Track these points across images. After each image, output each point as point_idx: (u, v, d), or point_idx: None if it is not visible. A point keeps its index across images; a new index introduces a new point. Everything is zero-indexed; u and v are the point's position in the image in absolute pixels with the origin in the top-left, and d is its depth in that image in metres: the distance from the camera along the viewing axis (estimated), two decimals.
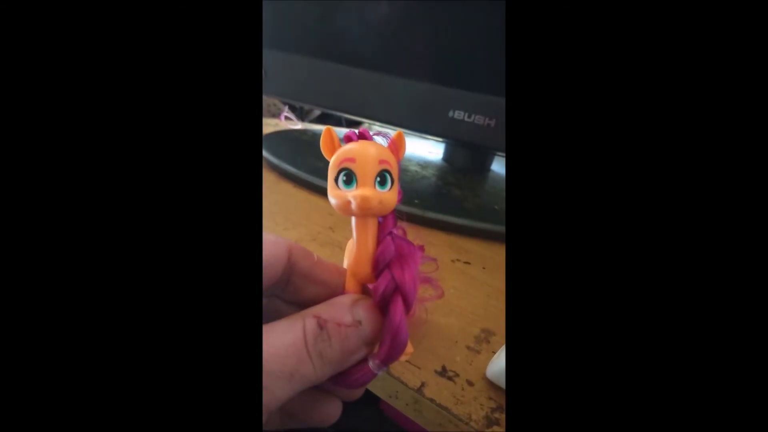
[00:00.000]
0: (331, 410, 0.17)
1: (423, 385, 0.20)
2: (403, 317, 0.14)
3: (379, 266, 0.15)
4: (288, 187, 0.43)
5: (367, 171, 0.14)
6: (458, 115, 0.42)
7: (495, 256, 0.36)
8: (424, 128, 0.45)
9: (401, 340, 0.14)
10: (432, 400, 0.20)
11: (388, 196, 0.15)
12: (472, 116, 0.42)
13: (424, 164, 0.53)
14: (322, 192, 0.41)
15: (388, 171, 0.15)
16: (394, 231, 0.16)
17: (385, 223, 0.16)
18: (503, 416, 0.19)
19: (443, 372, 0.21)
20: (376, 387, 0.22)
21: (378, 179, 0.15)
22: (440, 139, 0.57)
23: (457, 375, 0.21)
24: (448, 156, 0.55)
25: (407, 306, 0.14)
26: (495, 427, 0.19)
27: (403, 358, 0.15)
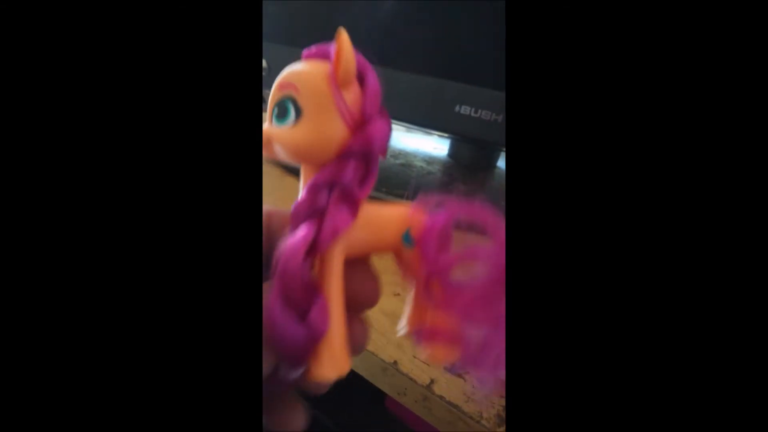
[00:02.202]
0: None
1: (432, 382, 0.20)
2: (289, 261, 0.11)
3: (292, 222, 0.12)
4: (293, 182, 0.43)
5: (269, 102, 0.12)
6: (465, 110, 0.42)
7: None
8: (430, 123, 0.44)
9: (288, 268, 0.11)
10: (442, 398, 0.19)
11: (285, 133, 0.11)
12: (479, 111, 0.41)
13: (430, 160, 0.53)
14: None
15: (289, 98, 0.11)
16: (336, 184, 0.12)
17: (320, 174, 0.12)
18: None
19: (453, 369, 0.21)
20: (385, 383, 0.21)
21: (275, 111, 0.11)
22: (446, 135, 0.56)
23: (467, 372, 0.21)
24: (453, 152, 0.55)
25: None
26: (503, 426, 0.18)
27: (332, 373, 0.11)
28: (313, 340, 0.11)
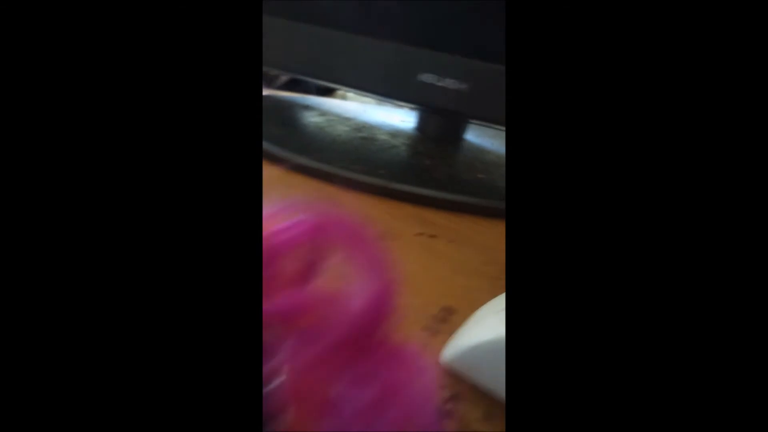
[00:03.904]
0: None
1: None
2: None
3: None
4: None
5: None
6: (428, 78, 0.39)
7: (464, 229, 0.33)
8: (391, 93, 0.41)
9: None
10: None
11: None
12: (443, 80, 0.39)
13: (395, 133, 0.50)
14: (282, 162, 0.38)
15: None
16: None
17: None
18: (459, 407, 0.17)
19: None
20: None
21: None
22: (411, 106, 0.54)
23: None
24: (420, 125, 0.53)
25: None
26: (447, 421, 0.17)
27: None
28: None
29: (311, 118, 0.50)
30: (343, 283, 0.10)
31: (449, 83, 0.39)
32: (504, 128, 0.51)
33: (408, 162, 0.43)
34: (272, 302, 0.09)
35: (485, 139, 0.55)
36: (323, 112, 0.53)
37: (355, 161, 0.39)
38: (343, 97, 0.70)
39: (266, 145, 0.39)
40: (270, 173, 0.37)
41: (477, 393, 0.17)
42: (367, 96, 0.58)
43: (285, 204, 0.10)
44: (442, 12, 0.38)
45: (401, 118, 0.58)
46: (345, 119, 0.52)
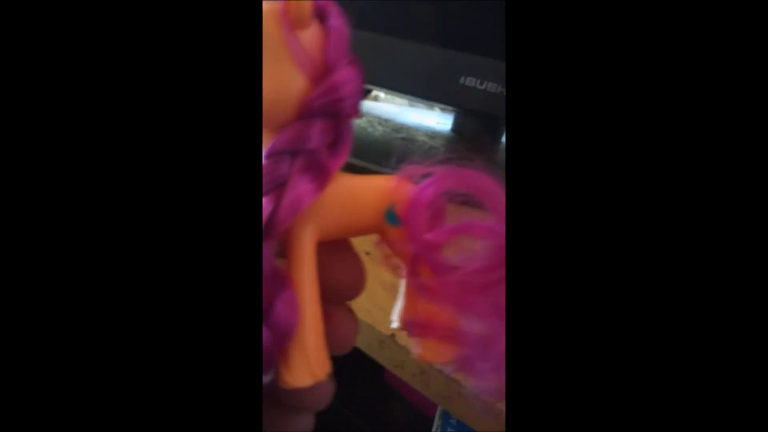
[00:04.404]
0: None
1: None
2: None
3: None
4: None
5: None
6: (470, 81, 0.40)
7: None
8: (433, 95, 0.43)
9: None
10: (441, 371, 0.19)
11: None
12: (484, 83, 0.40)
13: (432, 134, 0.51)
14: None
15: None
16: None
17: (279, 138, 0.10)
18: None
19: None
20: (382, 357, 0.21)
21: None
22: (449, 109, 0.55)
23: (465, 374, 0.20)
24: (457, 126, 0.54)
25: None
26: None
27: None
28: (279, 340, 0.10)
29: None
30: (474, 225, 0.11)
31: (490, 86, 0.40)
32: None
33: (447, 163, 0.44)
34: (417, 240, 0.11)
35: None
36: (363, 114, 0.54)
37: (398, 162, 0.40)
38: (376, 99, 0.72)
39: None
40: None
41: None
42: (401, 97, 0.59)
43: (415, 168, 0.12)
44: (482, 17, 0.39)
45: (437, 119, 0.59)
46: (383, 120, 0.53)
